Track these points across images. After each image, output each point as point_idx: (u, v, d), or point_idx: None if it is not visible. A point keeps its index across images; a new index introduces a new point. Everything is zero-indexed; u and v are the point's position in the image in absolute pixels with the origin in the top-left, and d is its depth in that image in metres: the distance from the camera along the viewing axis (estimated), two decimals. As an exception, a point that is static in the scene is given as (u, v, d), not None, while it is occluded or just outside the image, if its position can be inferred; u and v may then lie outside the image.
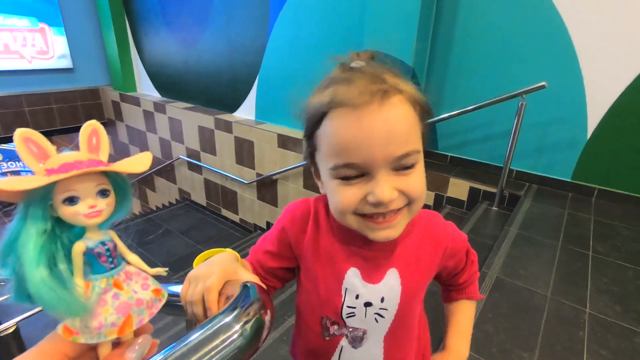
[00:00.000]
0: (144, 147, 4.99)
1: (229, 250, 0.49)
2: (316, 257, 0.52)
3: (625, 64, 1.93)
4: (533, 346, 1.19)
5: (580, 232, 1.85)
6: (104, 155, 0.28)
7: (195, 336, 0.29)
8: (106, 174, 0.27)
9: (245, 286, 0.38)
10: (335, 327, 0.52)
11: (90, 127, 0.28)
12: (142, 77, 4.93)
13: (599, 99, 2.05)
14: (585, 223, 1.94)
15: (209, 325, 0.30)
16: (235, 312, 0.31)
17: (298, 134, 3.05)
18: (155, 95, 4.79)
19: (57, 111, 4.96)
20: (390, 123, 0.40)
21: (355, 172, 0.41)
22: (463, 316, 0.65)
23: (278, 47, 3.13)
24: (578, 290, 1.44)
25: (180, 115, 4.16)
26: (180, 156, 4.35)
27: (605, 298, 1.40)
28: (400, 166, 0.42)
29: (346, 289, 0.51)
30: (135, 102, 4.79)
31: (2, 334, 1.81)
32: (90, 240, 0.26)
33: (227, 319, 0.31)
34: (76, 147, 0.27)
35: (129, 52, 4.93)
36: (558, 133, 2.23)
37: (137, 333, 0.28)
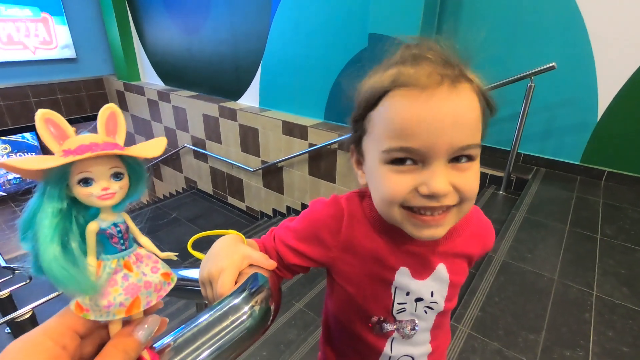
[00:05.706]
0: (149, 136, 5.01)
1: (232, 232, 0.48)
2: (357, 260, 0.49)
3: (638, 43, 1.87)
4: (539, 328, 1.20)
5: (588, 215, 1.84)
6: (120, 139, 0.28)
7: (205, 317, 0.30)
8: (121, 157, 0.27)
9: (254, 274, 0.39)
10: (386, 324, 0.51)
11: (109, 111, 0.29)
12: (146, 65, 4.91)
13: (611, 80, 2.00)
14: (594, 206, 1.92)
15: (219, 306, 0.31)
16: (244, 294, 0.32)
17: (302, 120, 3.06)
18: (159, 83, 4.78)
19: (63, 101, 4.97)
20: (459, 110, 0.38)
21: (409, 157, 0.39)
22: None
23: (281, 32, 3.08)
24: (585, 273, 1.44)
25: (185, 104, 4.15)
26: (186, 145, 4.36)
27: (612, 280, 1.40)
28: (460, 158, 0.39)
29: (396, 287, 0.49)
30: (140, 91, 4.78)
31: (19, 320, 1.88)
32: (104, 221, 0.27)
33: (236, 301, 0.32)
34: (94, 130, 0.28)
35: (132, 41, 4.89)
36: (567, 115, 2.18)
37: (146, 313, 0.29)
